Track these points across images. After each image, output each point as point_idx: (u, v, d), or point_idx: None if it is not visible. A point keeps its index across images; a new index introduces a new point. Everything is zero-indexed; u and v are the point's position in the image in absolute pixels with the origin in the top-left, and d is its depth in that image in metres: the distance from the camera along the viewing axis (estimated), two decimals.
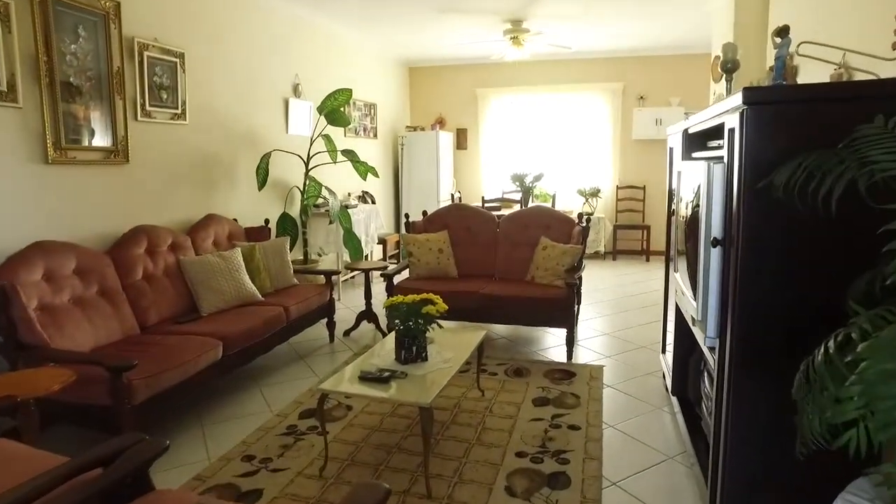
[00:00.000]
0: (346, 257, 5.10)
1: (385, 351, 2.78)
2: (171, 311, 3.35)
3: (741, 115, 1.71)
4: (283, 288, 4.04)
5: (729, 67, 2.67)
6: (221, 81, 4.27)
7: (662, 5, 5.35)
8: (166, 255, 3.48)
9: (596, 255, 7.52)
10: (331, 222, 4.44)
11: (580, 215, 4.42)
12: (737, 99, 1.72)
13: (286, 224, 4.57)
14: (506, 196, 6.02)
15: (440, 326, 2.74)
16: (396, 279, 4.26)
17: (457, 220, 4.58)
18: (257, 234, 4.26)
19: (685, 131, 2.65)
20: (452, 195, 6.31)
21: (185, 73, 3.82)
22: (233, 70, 4.41)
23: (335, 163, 4.91)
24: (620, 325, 4.68)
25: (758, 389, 1.78)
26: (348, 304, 5.30)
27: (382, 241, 6.28)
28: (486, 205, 5.61)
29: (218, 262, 3.60)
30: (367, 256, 6.26)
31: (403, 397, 2.38)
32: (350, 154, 4.80)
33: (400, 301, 2.56)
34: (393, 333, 2.69)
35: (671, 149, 3.16)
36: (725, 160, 1.86)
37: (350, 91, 4.60)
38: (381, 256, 6.53)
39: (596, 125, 7.79)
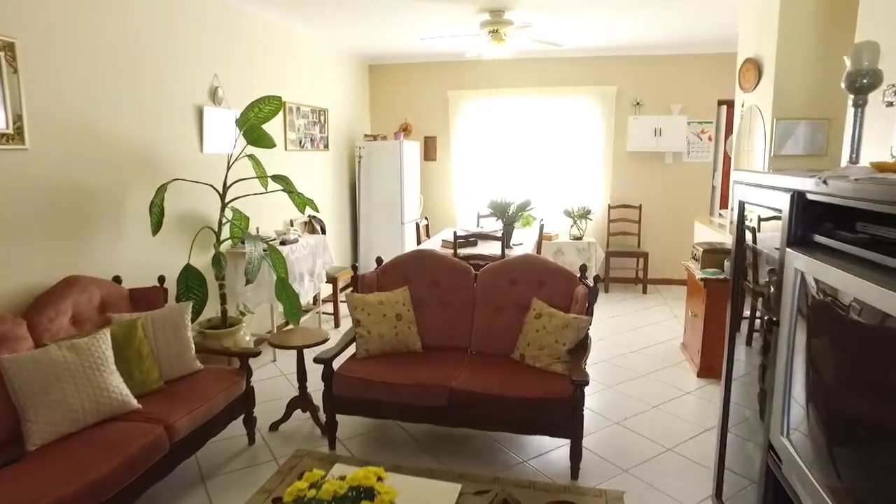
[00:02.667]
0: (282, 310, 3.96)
1: None
2: None
3: None
4: (180, 378, 2.89)
5: (865, 84, 1.62)
6: (94, 83, 3.07)
7: None
8: None
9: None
10: (248, 281, 3.28)
11: (583, 269, 3.37)
12: None
13: (190, 280, 3.39)
14: (483, 231, 4.93)
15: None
16: (341, 357, 3.14)
17: (421, 271, 3.48)
18: (147, 298, 3.08)
19: (799, 197, 1.59)
20: (418, 224, 5.20)
21: (18, 73, 2.61)
22: (113, 67, 3.21)
23: (266, 191, 3.76)
24: (633, 404, 3.65)
25: None
26: (282, 369, 4.16)
27: (333, 280, 5.14)
28: (459, 241, 4.50)
29: (65, 358, 2.42)
30: (314, 299, 5.12)
31: None
32: (283, 181, 3.65)
33: (312, 499, 1.44)
34: None
35: (752, 215, 2.11)
36: None
37: (279, 100, 3.44)
38: (331, 295, 5.38)
39: (585, 135, 6.77)
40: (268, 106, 3.43)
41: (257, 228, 4.57)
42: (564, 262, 6.50)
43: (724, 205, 6.67)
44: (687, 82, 6.50)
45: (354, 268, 3.47)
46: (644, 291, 6.51)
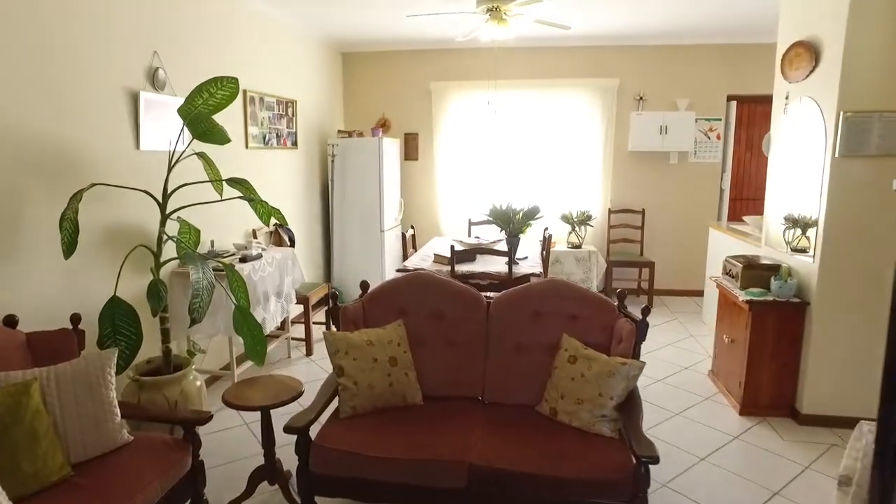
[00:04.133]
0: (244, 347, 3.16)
1: None
2: None
3: None
4: (98, 459, 2.10)
5: None
6: None
7: None
8: None
9: None
10: (193, 320, 2.48)
11: (621, 296, 2.72)
12: None
13: (118, 317, 2.59)
14: (485, 244, 4.25)
15: None
16: (320, 418, 2.39)
17: (419, 300, 2.76)
18: (53, 346, 2.28)
19: None
20: (405, 235, 4.44)
21: None
22: (9, 41, 2.39)
23: (221, 199, 2.97)
24: (676, 456, 3.00)
25: None
26: (244, 415, 3.38)
27: (304, 300, 4.37)
28: (458, 255, 3.80)
29: None
30: (282, 324, 4.33)
31: None
32: (242, 186, 2.88)
33: None
34: None
35: None
36: None
37: (235, 84, 2.66)
38: (302, 315, 4.58)
39: (583, 132, 6.14)
40: (221, 90, 2.65)
41: (212, 243, 3.78)
42: (562, 273, 5.88)
43: (734, 211, 6.15)
44: (694, 75, 5.95)
45: (334, 296, 2.71)
46: (650, 304, 5.91)
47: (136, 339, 2.63)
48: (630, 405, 2.33)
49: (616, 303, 2.68)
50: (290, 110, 5.04)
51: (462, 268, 3.67)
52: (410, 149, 6.57)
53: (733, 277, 3.70)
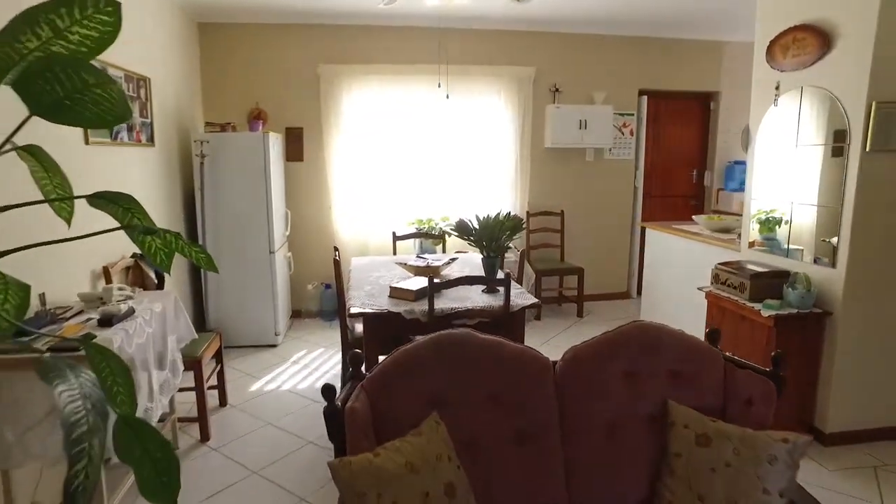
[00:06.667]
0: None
1: None
2: None
3: None
4: None
5: None
6: None
7: None
8: None
9: None
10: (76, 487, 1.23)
11: (714, 335, 2.03)
12: None
13: None
14: (430, 263, 3.34)
15: None
16: None
17: (460, 377, 1.74)
18: None
19: None
20: (338, 260, 3.21)
21: None
22: None
23: (69, 236, 1.63)
24: None
25: None
26: None
27: (194, 365, 3.02)
28: (420, 290, 2.80)
29: None
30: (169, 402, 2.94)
31: None
32: (120, 207, 1.60)
33: None
34: None
35: None
36: None
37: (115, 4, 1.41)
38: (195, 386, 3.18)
39: (498, 127, 5.48)
40: (89, 20, 1.36)
41: (41, 299, 2.33)
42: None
43: (647, 210, 5.99)
44: (609, 68, 5.63)
45: (327, 392, 1.60)
46: (579, 314, 5.47)
47: None
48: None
49: (719, 351, 1.97)
50: (142, 91, 3.56)
51: (442, 304, 2.71)
52: (294, 148, 5.32)
53: (735, 288, 3.27)
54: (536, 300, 2.89)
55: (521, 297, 2.93)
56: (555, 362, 1.89)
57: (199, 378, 3.02)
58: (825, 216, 2.98)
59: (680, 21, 5.06)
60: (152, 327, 2.49)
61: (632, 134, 5.77)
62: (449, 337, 1.80)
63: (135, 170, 3.49)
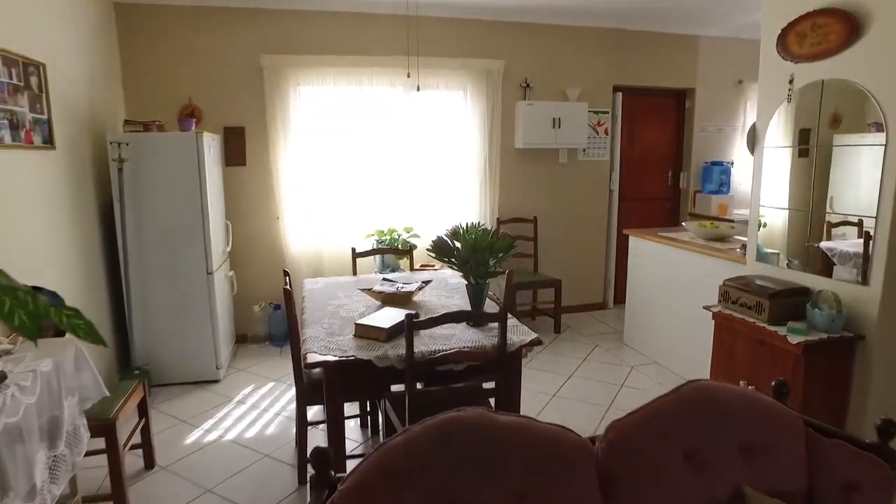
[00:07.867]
0: None
1: None
2: None
3: None
4: None
5: None
6: None
7: None
8: None
9: None
10: None
11: (781, 388, 1.59)
12: None
13: None
14: (401, 287, 2.81)
15: None
16: None
17: (476, 472, 1.23)
18: None
19: None
20: (289, 290, 2.60)
21: None
22: None
23: None
24: None
25: None
26: None
27: (107, 428, 2.36)
28: (408, 326, 2.24)
29: None
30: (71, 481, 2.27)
31: None
32: None
33: None
34: None
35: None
36: None
37: None
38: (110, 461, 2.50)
39: (465, 126, 4.98)
40: None
41: None
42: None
43: (622, 215, 5.63)
44: (582, 62, 5.22)
45: (324, 454, 1.03)
46: (557, 330, 5.04)
47: None
48: None
49: (791, 410, 1.53)
50: (34, 80, 2.85)
51: (423, 346, 2.17)
52: (234, 150, 4.64)
53: (750, 308, 2.88)
54: (535, 335, 2.40)
55: (517, 332, 2.43)
56: (592, 439, 1.39)
57: (112, 446, 2.37)
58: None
59: (653, 12, 4.70)
60: (35, 395, 1.85)
61: (606, 133, 5.39)
62: (457, 422, 1.27)
63: (25, 180, 2.78)
